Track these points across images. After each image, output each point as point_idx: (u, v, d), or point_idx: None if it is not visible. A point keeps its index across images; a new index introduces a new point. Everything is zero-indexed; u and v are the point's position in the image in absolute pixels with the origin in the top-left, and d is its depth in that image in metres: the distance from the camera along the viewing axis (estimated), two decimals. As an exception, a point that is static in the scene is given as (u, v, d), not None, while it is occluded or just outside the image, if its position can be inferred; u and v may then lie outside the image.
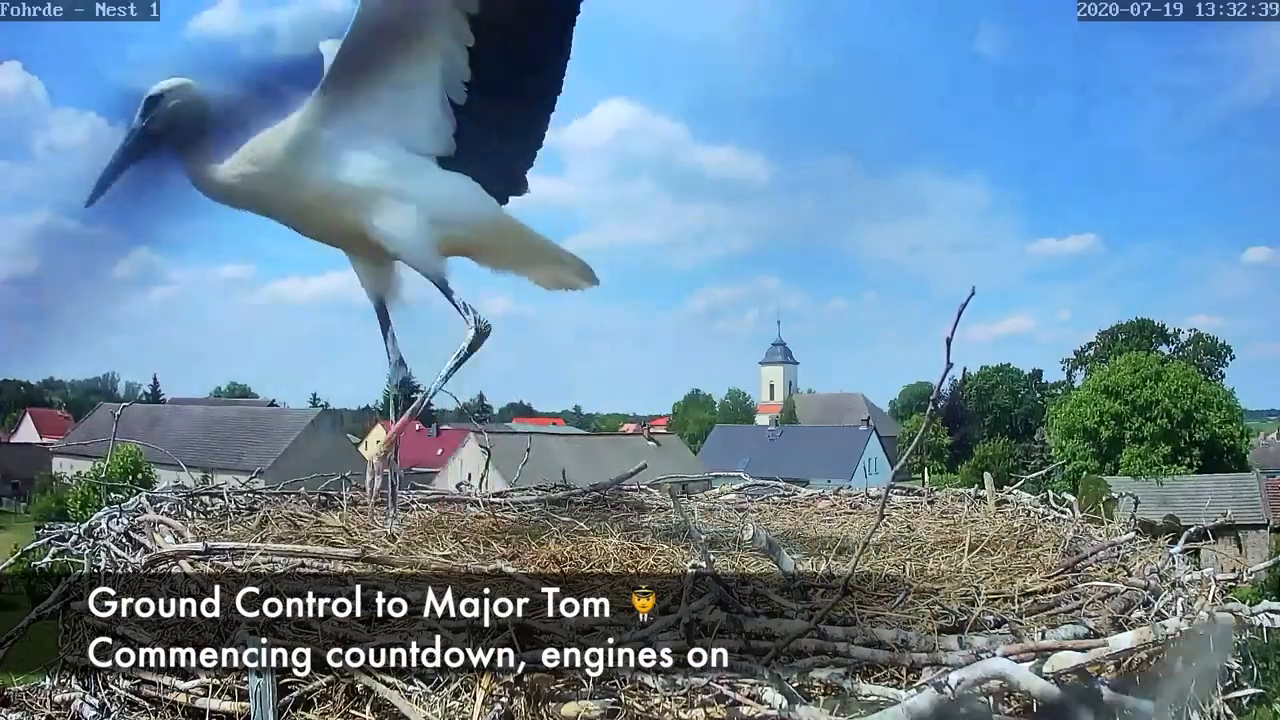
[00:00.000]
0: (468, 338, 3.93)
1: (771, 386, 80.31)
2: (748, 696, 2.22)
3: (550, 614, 2.65)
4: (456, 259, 4.14)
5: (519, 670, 2.39)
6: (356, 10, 3.68)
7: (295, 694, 2.57)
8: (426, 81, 3.84)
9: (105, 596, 3.41)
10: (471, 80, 3.88)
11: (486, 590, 2.75)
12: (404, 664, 2.53)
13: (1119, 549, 3.48)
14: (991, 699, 2.27)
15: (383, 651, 2.54)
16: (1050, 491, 4.98)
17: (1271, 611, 3.14)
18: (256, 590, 2.90)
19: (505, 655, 2.41)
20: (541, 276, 4.33)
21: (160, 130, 3.72)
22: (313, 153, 3.74)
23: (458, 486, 5.36)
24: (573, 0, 3.86)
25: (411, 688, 2.49)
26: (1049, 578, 3.08)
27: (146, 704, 2.94)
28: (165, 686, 2.86)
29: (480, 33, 3.80)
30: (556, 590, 2.89)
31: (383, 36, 3.71)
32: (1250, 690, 3.09)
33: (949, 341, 2.45)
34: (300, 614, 2.72)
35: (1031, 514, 4.58)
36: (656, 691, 2.29)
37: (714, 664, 2.22)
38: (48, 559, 4.27)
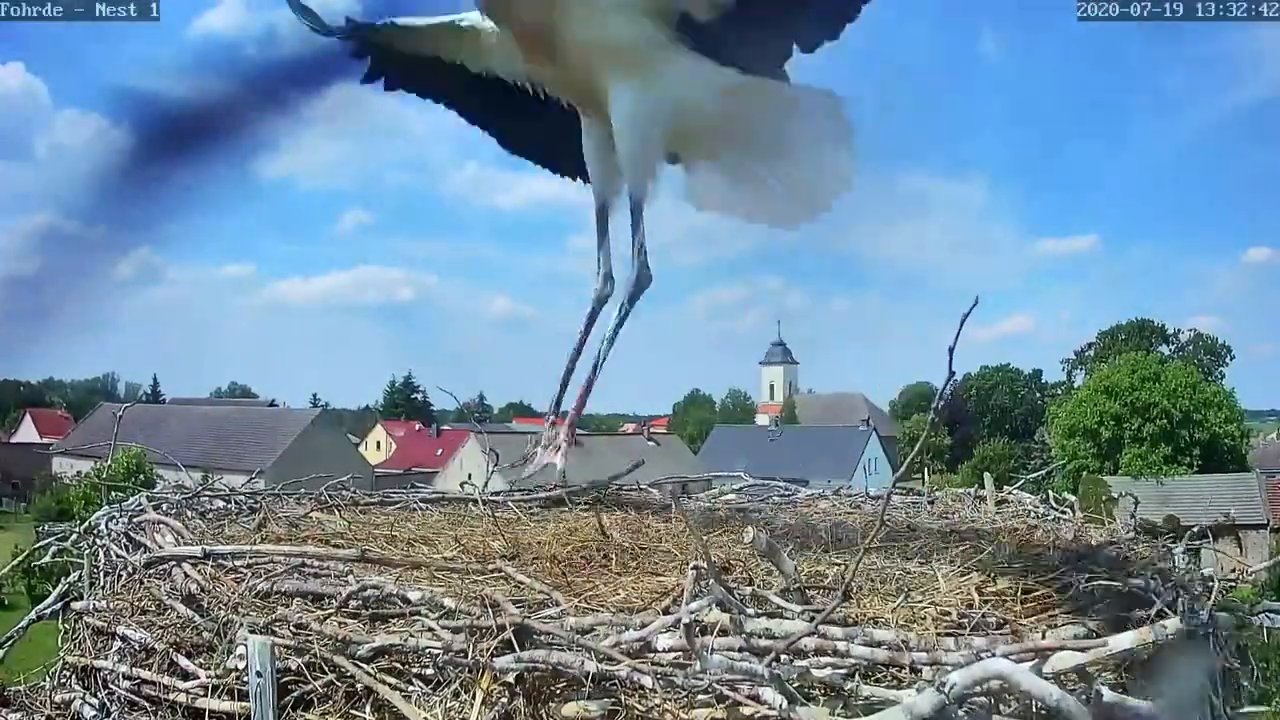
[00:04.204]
0: (629, 284, 3.65)
1: (771, 386, 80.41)
2: (748, 696, 2.22)
3: (550, 614, 2.66)
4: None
5: (519, 670, 2.39)
6: None
7: (295, 694, 2.57)
8: None
9: (105, 596, 3.42)
10: None
11: (486, 590, 2.75)
12: (404, 664, 2.53)
13: (1119, 549, 3.48)
14: (991, 699, 2.27)
15: (383, 651, 2.54)
16: (1050, 491, 4.98)
17: (1271, 611, 3.14)
18: (256, 590, 2.91)
19: (505, 655, 2.41)
20: (778, 175, 3.84)
21: None
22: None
23: (460, 486, 5.36)
24: None
25: (411, 688, 2.49)
26: (1049, 578, 3.08)
27: (146, 704, 2.94)
28: (165, 686, 2.86)
29: None
30: (556, 590, 2.89)
31: None
32: (1249, 690, 3.09)
33: (951, 351, 2.44)
34: (300, 614, 2.73)
35: (1032, 514, 4.58)
36: (656, 692, 2.29)
37: (714, 664, 2.22)
38: (47, 559, 4.28)
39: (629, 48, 3.51)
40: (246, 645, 2.58)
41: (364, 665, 2.52)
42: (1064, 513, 4.52)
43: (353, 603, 2.73)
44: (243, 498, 4.62)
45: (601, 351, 3.84)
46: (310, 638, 2.61)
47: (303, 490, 4.89)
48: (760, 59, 3.68)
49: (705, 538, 3.30)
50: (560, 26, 3.50)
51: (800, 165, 3.84)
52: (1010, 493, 5.06)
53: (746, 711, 2.23)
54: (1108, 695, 2.27)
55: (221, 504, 4.50)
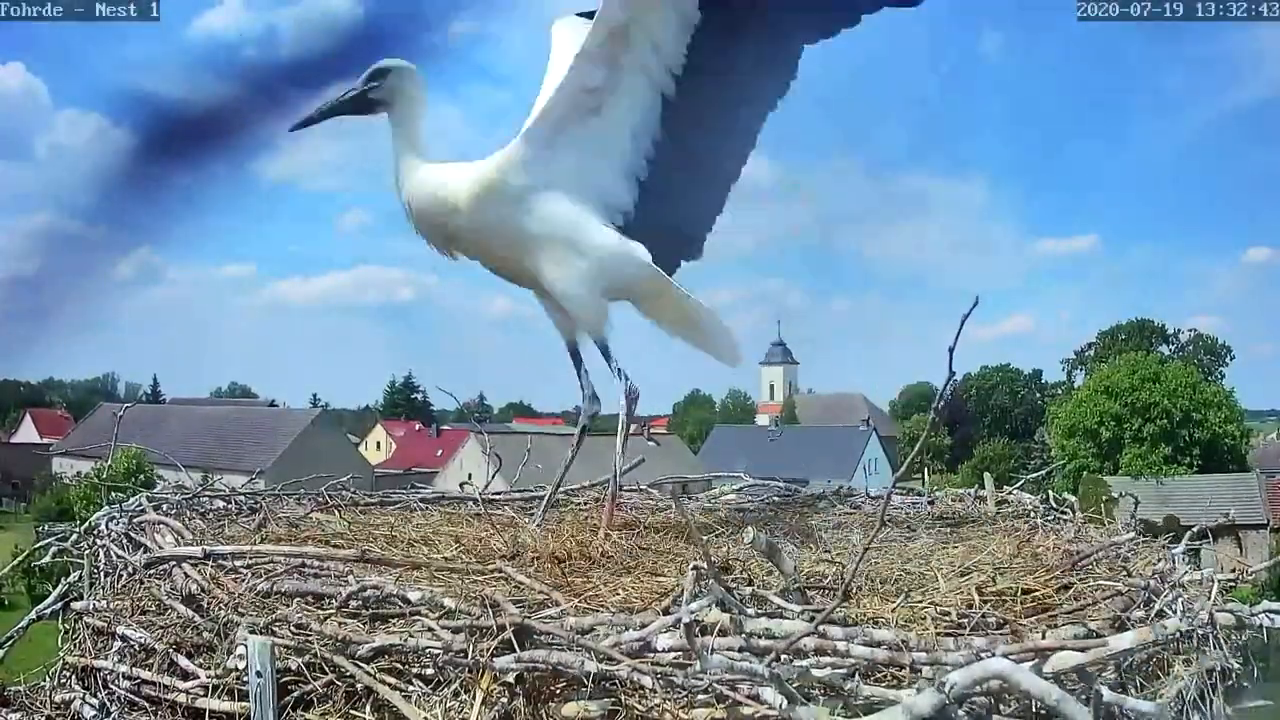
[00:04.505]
0: (623, 405, 4.03)
1: (771, 386, 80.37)
2: (748, 696, 2.22)
3: (550, 614, 2.66)
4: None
5: (519, 670, 2.39)
6: (567, 72, 3.80)
7: (295, 694, 2.57)
8: (617, 140, 3.94)
9: (105, 596, 3.42)
10: (661, 139, 3.96)
11: (486, 590, 2.75)
12: (404, 664, 2.53)
13: (1119, 549, 3.48)
14: (991, 699, 2.27)
15: (383, 651, 2.54)
16: (1050, 492, 4.98)
17: (1271, 611, 3.14)
18: (256, 590, 2.90)
19: (505, 655, 2.41)
20: (692, 339, 4.31)
21: (380, 99, 3.89)
22: (503, 197, 3.85)
23: (460, 486, 5.37)
24: (793, 54, 3.89)
25: (411, 688, 2.49)
26: (1049, 578, 3.08)
27: (146, 704, 2.94)
28: (165, 686, 2.86)
29: (681, 83, 3.87)
30: (556, 590, 2.89)
31: (587, 96, 3.83)
32: (1249, 689, 3.09)
33: (951, 351, 2.44)
34: (300, 614, 2.73)
35: (1032, 514, 4.58)
36: (656, 692, 2.29)
37: (714, 664, 2.22)
38: (47, 559, 4.28)
39: (552, 231, 3.89)
40: (246, 645, 2.58)
41: (364, 665, 2.52)
42: (1064, 513, 4.52)
43: (353, 603, 2.73)
44: (243, 498, 4.62)
45: (616, 463, 4.16)
46: (310, 638, 2.61)
47: (303, 490, 4.89)
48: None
49: (705, 538, 3.30)
50: (488, 242, 3.96)
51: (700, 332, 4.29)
52: (1010, 493, 5.07)
53: (746, 711, 2.23)
54: (1108, 695, 2.27)
55: (221, 504, 4.50)
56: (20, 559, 5.34)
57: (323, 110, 3.90)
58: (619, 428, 4.11)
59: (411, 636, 2.54)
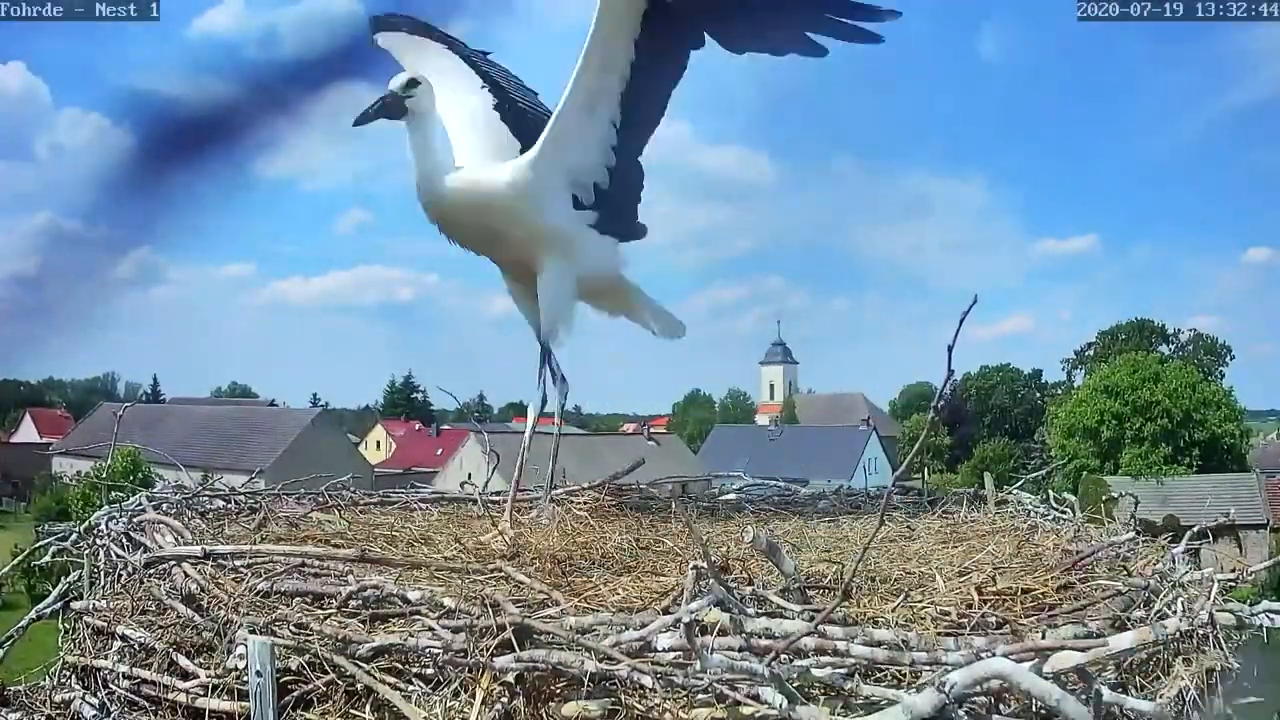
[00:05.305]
0: (561, 396, 4.44)
1: (771, 386, 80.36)
2: (748, 696, 2.22)
3: (550, 614, 2.66)
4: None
5: (519, 670, 2.39)
6: (574, 76, 4.06)
7: (295, 694, 2.57)
8: (603, 133, 4.25)
9: (105, 596, 3.42)
10: (620, 125, 4.26)
11: (486, 590, 2.75)
12: (404, 664, 2.53)
13: (1119, 549, 3.48)
14: (991, 699, 2.27)
15: (383, 651, 2.54)
16: (1050, 491, 4.98)
17: (1271, 611, 3.14)
18: (256, 590, 2.90)
19: (505, 655, 2.41)
20: (637, 320, 4.81)
21: (411, 108, 4.11)
22: (524, 194, 4.16)
23: (460, 486, 5.36)
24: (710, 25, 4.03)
25: (411, 687, 2.49)
26: (1049, 578, 3.08)
27: (146, 704, 2.94)
28: (165, 686, 2.86)
29: (634, 73, 4.14)
30: (556, 590, 2.89)
31: (588, 97, 4.12)
32: (1249, 689, 3.09)
33: (950, 350, 2.44)
34: (300, 614, 2.73)
35: (1031, 514, 4.58)
36: (656, 691, 2.29)
37: (714, 664, 2.22)
38: (47, 559, 4.27)
39: (562, 230, 4.28)
40: (246, 645, 2.58)
41: (364, 665, 2.52)
42: (1064, 513, 4.51)
43: (353, 602, 2.73)
44: (243, 498, 4.62)
45: (522, 455, 4.51)
46: (310, 637, 2.61)
47: (303, 490, 4.89)
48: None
49: (705, 538, 3.30)
50: (504, 231, 4.26)
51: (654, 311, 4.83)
52: (1010, 493, 5.06)
53: (746, 711, 2.23)
54: (1108, 695, 2.27)
55: (221, 504, 4.49)
56: (20, 559, 5.33)
57: (368, 113, 4.08)
58: (529, 423, 4.53)
59: (411, 636, 2.54)
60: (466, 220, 4.23)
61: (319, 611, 2.74)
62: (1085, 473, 36.84)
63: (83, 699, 3.22)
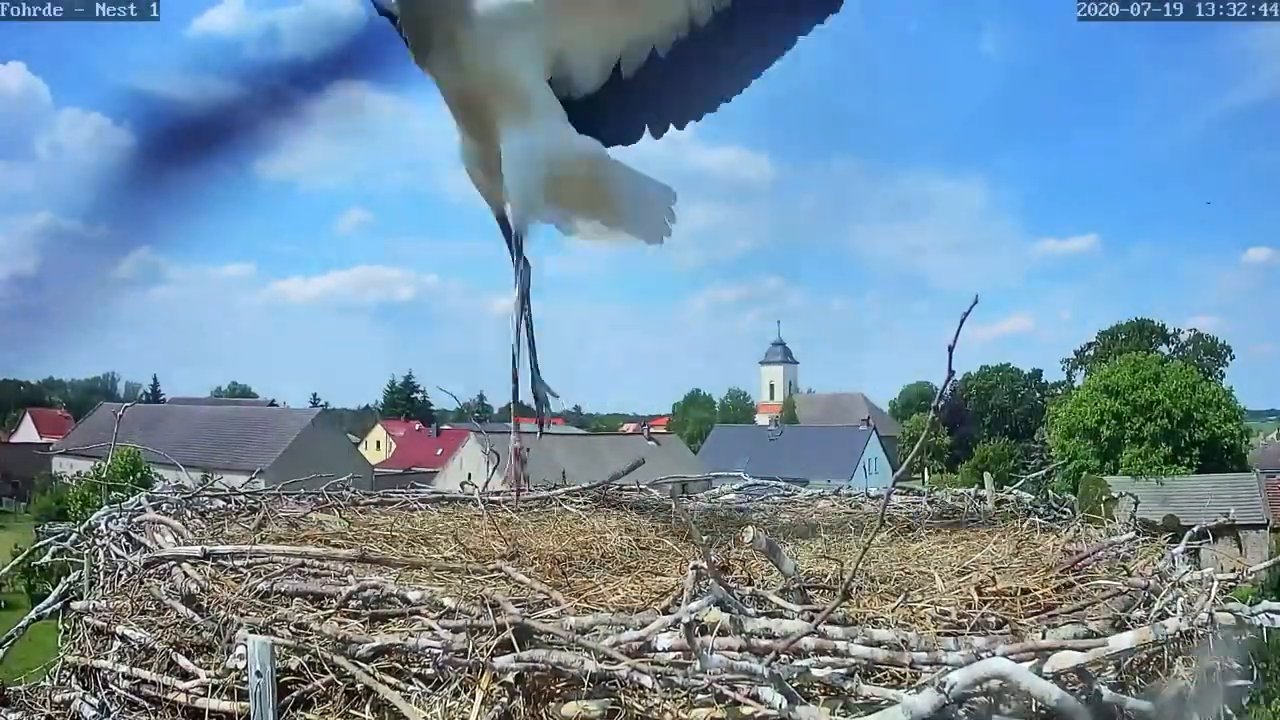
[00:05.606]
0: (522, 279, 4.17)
1: (771, 386, 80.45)
2: (748, 696, 2.21)
3: (550, 614, 2.66)
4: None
5: (519, 670, 2.39)
6: None
7: (295, 694, 2.57)
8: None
9: (105, 596, 3.42)
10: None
11: (486, 590, 2.75)
12: (404, 664, 2.53)
13: (1119, 549, 3.48)
14: (991, 699, 2.27)
15: (383, 651, 2.54)
16: (1050, 491, 4.98)
17: (1271, 611, 3.14)
18: (256, 590, 2.90)
19: (505, 655, 2.41)
20: (620, 229, 4.57)
21: None
22: (516, 31, 3.88)
23: (460, 486, 5.36)
24: None
25: (411, 687, 2.49)
26: (1049, 577, 3.08)
27: (146, 704, 2.93)
28: (165, 686, 2.85)
29: None
30: (556, 590, 2.89)
31: None
32: (1249, 690, 3.09)
33: (951, 350, 2.44)
34: (300, 614, 2.73)
35: (1031, 514, 4.58)
36: (656, 691, 2.29)
37: (714, 664, 2.22)
38: (47, 559, 4.27)
39: (521, 86, 3.96)
40: (246, 645, 2.58)
41: (364, 665, 2.52)
42: (1064, 513, 4.51)
43: (353, 603, 2.73)
44: (243, 498, 4.62)
45: (518, 344, 4.31)
46: (310, 638, 2.61)
47: (303, 490, 4.89)
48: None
49: (705, 538, 3.30)
50: (462, 40, 3.85)
51: (636, 214, 4.54)
52: (1010, 492, 5.06)
53: (746, 711, 2.23)
54: (1108, 695, 2.27)
55: (221, 504, 4.50)
56: (20, 559, 5.34)
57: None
58: (518, 303, 4.25)
59: (411, 636, 2.54)
60: (438, 21, 3.85)
61: (319, 611, 2.74)
62: (1085, 473, 36.86)
63: (83, 699, 3.22)
